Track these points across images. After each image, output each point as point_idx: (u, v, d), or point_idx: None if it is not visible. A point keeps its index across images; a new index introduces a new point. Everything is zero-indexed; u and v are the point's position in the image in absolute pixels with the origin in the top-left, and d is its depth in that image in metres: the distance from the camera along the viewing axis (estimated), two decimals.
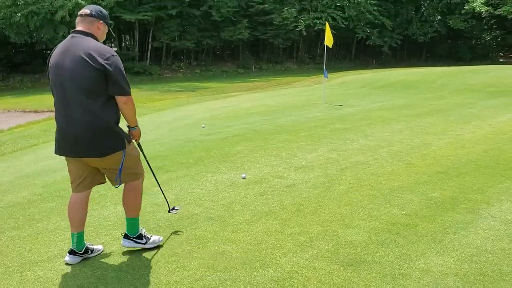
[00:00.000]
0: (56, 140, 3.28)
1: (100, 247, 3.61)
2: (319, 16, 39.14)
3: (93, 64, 3.01)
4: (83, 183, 3.37)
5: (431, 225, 3.94)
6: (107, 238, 3.85)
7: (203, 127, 9.24)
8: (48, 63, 3.22)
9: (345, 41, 44.74)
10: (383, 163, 6.13)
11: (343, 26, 39.67)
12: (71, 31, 3.23)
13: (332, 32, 13.82)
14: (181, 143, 7.64)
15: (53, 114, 3.53)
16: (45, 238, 3.89)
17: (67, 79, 3.07)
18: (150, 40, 33.04)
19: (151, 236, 3.66)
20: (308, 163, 6.20)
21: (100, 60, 3.02)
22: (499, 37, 49.21)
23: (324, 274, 3.14)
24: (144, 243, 3.57)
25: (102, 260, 3.45)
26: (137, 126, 3.46)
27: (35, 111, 15.39)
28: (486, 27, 49.76)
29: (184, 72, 35.07)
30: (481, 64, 37.33)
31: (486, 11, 40.40)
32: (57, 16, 25.82)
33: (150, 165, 3.92)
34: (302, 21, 38.47)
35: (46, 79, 3.89)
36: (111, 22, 3.50)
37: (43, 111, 14.88)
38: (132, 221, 3.54)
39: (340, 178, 5.45)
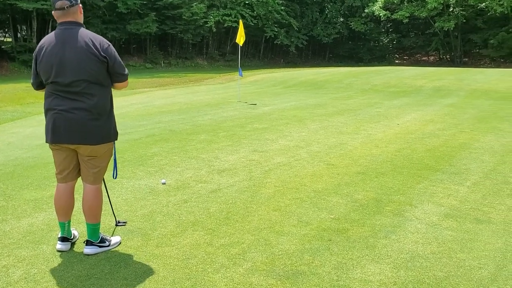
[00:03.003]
0: (50, 128, 3.22)
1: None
2: (229, 13, 39.17)
3: (96, 57, 3.11)
4: (72, 173, 3.41)
5: (362, 230, 3.91)
6: (9, 260, 3.31)
7: None
8: (38, 56, 3.17)
9: (254, 40, 45.23)
10: (304, 164, 6.09)
11: (252, 24, 40.08)
12: (58, 23, 3.19)
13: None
14: None
15: None
16: None
17: (71, 70, 3.09)
18: (49, 30, 30.71)
19: (111, 237, 3.61)
20: (231, 165, 5.98)
21: (102, 53, 3.12)
22: (395, 39, 52.88)
23: None
24: (108, 246, 3.51)
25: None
26: None
27: None
28: (383, 30, 53.24)
29: None
30: (379, 65, 39.80)
31: (384, 15, 43.07)
32: None
33: None
34: (211, 17, 38.21)
35: None
36: None
37: None
38: (96, 227, 3.46)
39: (265, 181, 5.30)
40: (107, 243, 3.50)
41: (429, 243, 3.66)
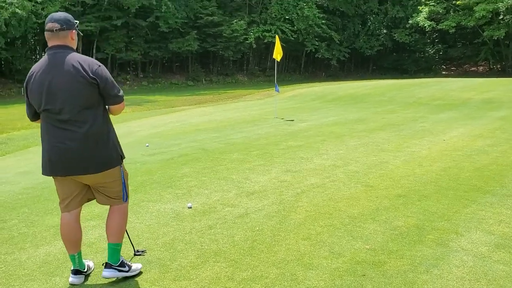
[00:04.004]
0: (46, 160, 3.08)
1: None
2: (269, 29, 39.26)
3: (86, 80, 2.94)
4: (74, 201, 3.23)
5: (400, 263, 3.51)
6: None
7: (147, 146, 8.56)
8: (28, 83, 3.03)
9: (294, 54, 45.08)
10: (340, 185, 5.72)
11: (292, 39, 39.96)
12: (47, 48, 3.05)
13: (282, 45, 13.50)
14: None
15: None
16: None
17: (62, 96, 2.94)
18: (94, 51, 31.76)
19: (132, 263, 3.42)
20: (261, 187, 5.69)
21: (91, 75, 2.95)
22: (441, 50, 51.28)
23: None
24: (127, 271, 3.33)
25: None
26: None
27: None
28: (429, 41, 51.79)
29: (130, 84, 33.95)
30: (425, 77, 38.64)
31: (429, 25, 41.85)
32: None
33: None
34: (251, 33, 38.41)
35: None
36: (76, 22, 3.17)
37: None
38: (116, 247, 3.30)
39: (296, 205, 4.96)
40: (126, 267, 3.33)
41: (477, 279, 3.22)
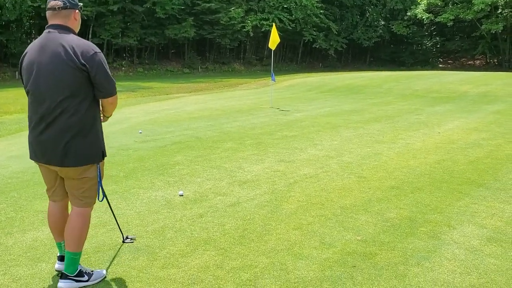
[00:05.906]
0: (29, 143, 2.95)
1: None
2: (266, 17, 38.99)
3: (74, 65, 2.70)
4: (58, 192, 3.07)
5: (391, 255, 3.48)
6: (4, 279, 3.09)
7: (140, 132, 8.48)
8: (22, 63, 2.89)
9: (292, 44, 44.87)
10: (333, 176, 5.68)
11: (290, 28, 39.73)
12: (46, 26, 2.85)
13: (279, 34, 13.36)
14: (112, 152, 6.84)
15: None
16: None
17: (46, 79, 2.74)
18: (90, 36, 31.44)
19: (92, 271, 3.10)
20: (254, 176, 5.64)
21: (82, 60, 2.70)
22: (439, 43, 51.20)
23: None
24: (87, 280, 3.00)
25: None
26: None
27: None
28: (426, 33, 51.69)
29: (126, 70, 33.69)
30: (422, 69, 38.61)
31: (427, 18, 41.72)
32: None
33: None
34: (249, 21, 38.15)
35: None
36: (80, 4, 2.97)
37: None
38: (74, 256, 2.97)
39: (288, 194, 4.92)
40: (85, 277, 3.00)
41: (468, 273, 3.19)
